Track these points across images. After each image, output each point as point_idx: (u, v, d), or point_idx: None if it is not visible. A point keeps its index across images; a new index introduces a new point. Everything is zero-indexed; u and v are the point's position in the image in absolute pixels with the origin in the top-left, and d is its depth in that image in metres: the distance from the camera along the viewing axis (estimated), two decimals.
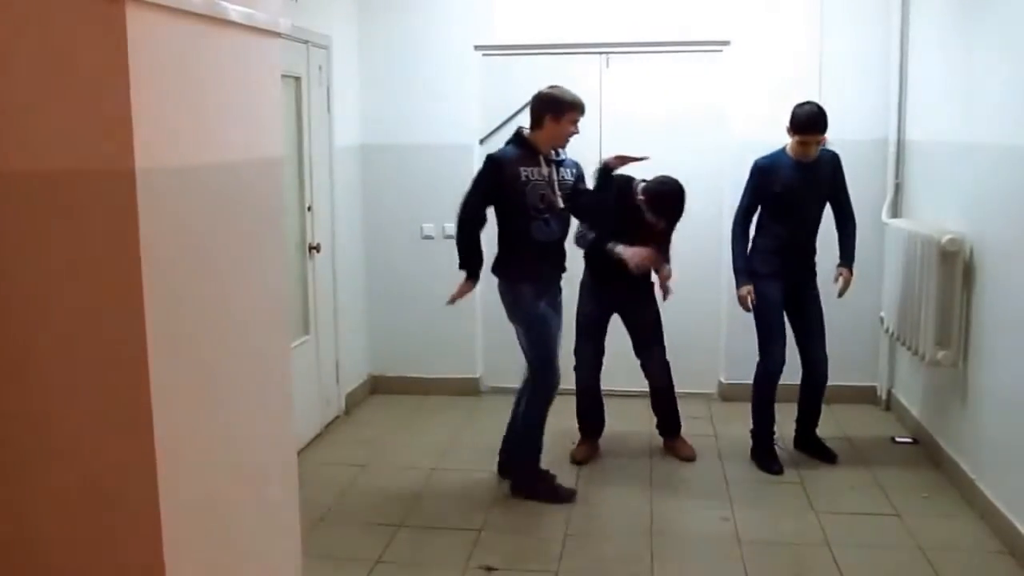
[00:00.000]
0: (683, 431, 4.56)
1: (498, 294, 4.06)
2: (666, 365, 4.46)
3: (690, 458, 4.44)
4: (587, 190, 4.07)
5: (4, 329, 1.72)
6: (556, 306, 4.07)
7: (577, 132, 3.94)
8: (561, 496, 3.98)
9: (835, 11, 5.02)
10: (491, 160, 3.95)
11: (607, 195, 4.01)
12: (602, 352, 4.51)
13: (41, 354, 1.73)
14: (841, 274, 4.32)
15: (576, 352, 4.50)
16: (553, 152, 3.98)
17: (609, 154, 4.05)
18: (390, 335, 5.57)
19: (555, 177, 3.94)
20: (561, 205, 3.94)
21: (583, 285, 4.46)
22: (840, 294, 4.34)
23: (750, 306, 4.25)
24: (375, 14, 5.35)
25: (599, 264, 4.35)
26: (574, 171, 4.08)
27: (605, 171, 3.98)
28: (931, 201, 4.56)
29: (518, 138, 3.97)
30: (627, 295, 4.39)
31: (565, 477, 4.19)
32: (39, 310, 1.71)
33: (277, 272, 2.35)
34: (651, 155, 4.02)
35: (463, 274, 3.99)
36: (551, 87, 3.96)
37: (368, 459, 4.51)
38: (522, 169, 3.87)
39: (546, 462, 4.07)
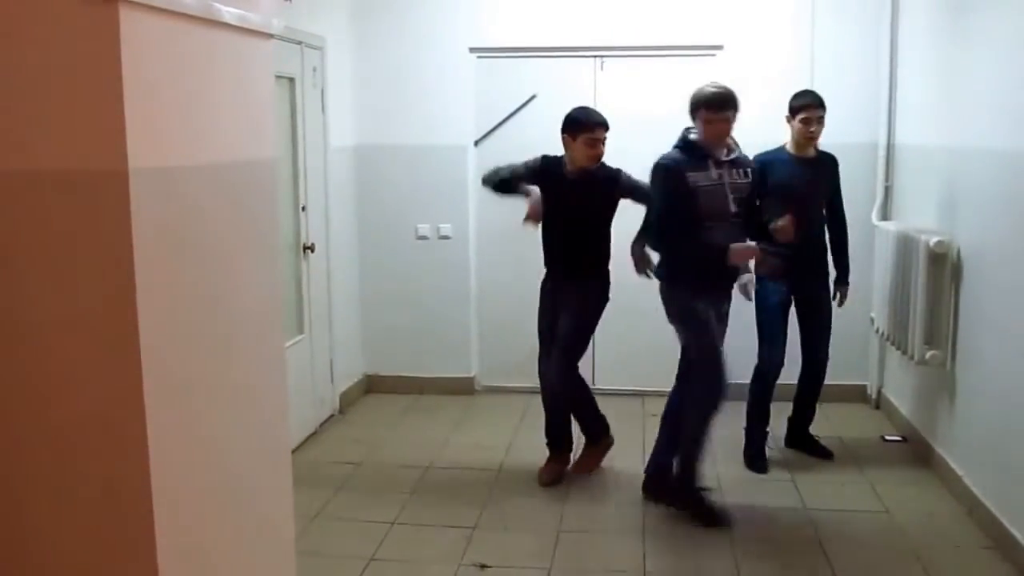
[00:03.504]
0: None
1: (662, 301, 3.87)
2: (563, 372, 4.12)
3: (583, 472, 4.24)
4: None
5: None
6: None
7: (723, 128, 3.81)
8: (716, 519, 3.72)
9: (826, 17, 5.07)
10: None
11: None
12: None
13: (33, 354, 1.74)
14: (840, 291, 4.45)
15: (539, 363, 4.30)
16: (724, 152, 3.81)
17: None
18: (384, 334, 5.59)
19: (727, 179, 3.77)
20: (733, 209, 3.75)
21: (541, 289, 4.26)
22: (840, 305, 4.47)
23: (792, 231, 3.90)
24: (370, 15, 5.38)
25: (561, 260, 4.16)
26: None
27: None
28: (920, 204, 4.60)
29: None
30: (567, 298, 4.14)
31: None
32: (31, 310, 1.72)
33: (271, 272, 2.37)
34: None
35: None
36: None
37: (362, 458, 4.54)
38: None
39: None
